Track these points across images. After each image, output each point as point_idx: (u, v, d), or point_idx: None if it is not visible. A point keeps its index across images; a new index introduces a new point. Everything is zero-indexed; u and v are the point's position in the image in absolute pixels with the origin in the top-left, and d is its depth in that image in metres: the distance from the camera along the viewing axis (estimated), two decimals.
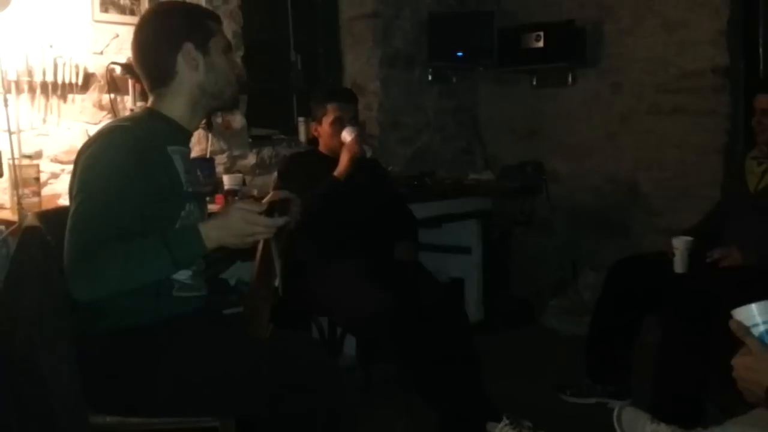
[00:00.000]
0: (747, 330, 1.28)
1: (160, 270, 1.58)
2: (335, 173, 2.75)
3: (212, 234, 1.58)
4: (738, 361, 1.30)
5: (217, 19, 1.83)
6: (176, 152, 1.73)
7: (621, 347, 2.86)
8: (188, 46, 1.73)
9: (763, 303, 1.28)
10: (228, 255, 1.72)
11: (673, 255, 2.65)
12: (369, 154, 2.78)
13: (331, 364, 1.78)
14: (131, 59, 1.83)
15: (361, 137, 2.80)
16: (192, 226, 1.62)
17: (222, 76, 1.78)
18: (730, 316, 1.29)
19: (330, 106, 2.86)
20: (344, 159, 2.75)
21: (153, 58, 1.75)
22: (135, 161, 1.60)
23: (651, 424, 2.35)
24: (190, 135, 1.83)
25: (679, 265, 2.64)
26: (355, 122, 2.91)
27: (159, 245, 1.55)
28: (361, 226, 2.76)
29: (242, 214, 1.59)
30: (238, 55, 3.46)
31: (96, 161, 1.61)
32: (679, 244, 2.64)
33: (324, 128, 2.88)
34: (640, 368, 2.80)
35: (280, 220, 1.62)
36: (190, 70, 1.74)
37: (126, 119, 1.76)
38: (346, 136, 2.78)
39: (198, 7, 1.84)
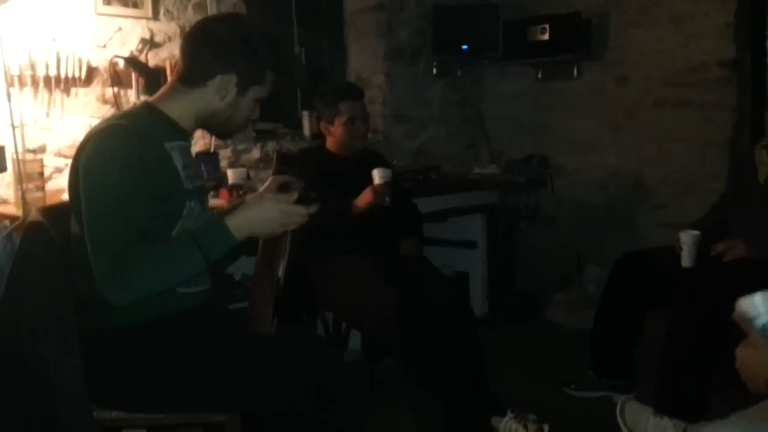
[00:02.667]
0: (750, 321, 1.29)
1: (192, 268, 1.61)
2: (355, 202, 2.68)
3: (243, 226, 1.61)
4: (740, 352, 1.32)
5: (275, 71, 1.77)
6: (175, 148, 1.70)
7: (625, 341, 2.86)
8: (231, 77, 1.69)
9: (764, 293, 1.29)
10: (233, 250, 1.72)
11: (681, 249, 2.64)
12: (388, 203, 2.66)
13: (337, 360, 1.77)
14: (182, 38, 1.78)
15: (388, 186, 2.68)
16: (216, 222, 1.64)
17: (238, 118, 1.77)
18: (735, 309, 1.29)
19: (343, 106, 2.81)
20: (367, 199, 2.66)
21: (198, 58, 1.70)
22: (136, 159, 1.58)
23: (654, 417, 2.35)
24: (188, 133, 1.80)
25: (686, 260, 2.63)
26: (367, 118, 2.89)
27: (189, 244, 1.58)
28: (366, 221, 2.74)
29: (280, 206, 1.63)
30: None
31: (98, 166, 1.58)
32: (687, 238, 2.63)
33: (337, 128, 2.83)
34: (644, 362, 2.80)
35: (312, 208, 1.65)
36: (217, 95, 1.71)
37: (122, 116, 1.72)
38: (377, 176, 2.68)
39: (271, 53, 1.75)
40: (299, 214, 1.63)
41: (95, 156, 1.60)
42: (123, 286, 1.54)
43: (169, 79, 1.77)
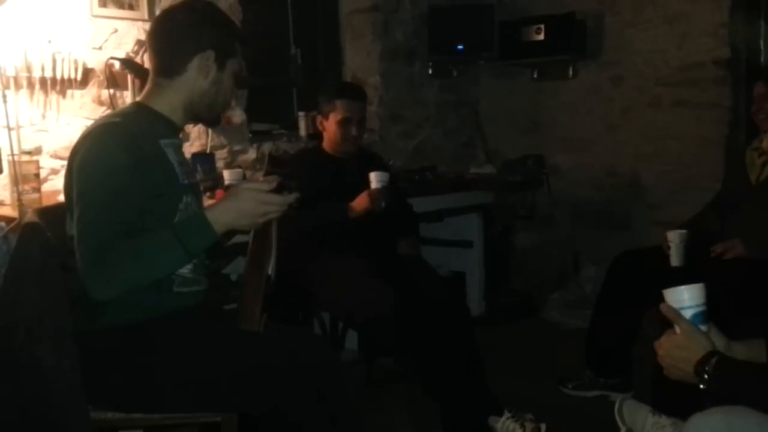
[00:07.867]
0: (677, 312, 1.38)
1: (173, 262, 1.59)
2: (352, 205, 2.68)
3: (221, 218, 1.57)
4: (664, 341, 1.40)
5: (243, 44, 1.82)
6: (168, 145, 1.72)
7: (622, 340, 2.86)
8: (209, 54, 1.71)
9: (692, 287, 1.39)
10: (230, 250, 1.71)
11: (669, 248, 2.64)
12: (384, 205, 2.67)
13: (333, 360, 1.78)
14: (147, 36, 1.81)
15: (385, 191, 2.68)
16: (197, 213, 1.63)
17: (222, 95, 1.78)
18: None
19: (339, 104, 2.80)
20: (363, 204, 2.67)
21: (172, 46, 1.72)
22: (130, 157, 1.59)
23: (652, 416, 2.35)
24: (179, 129, 1.82)
25: (675, 259, 2.64)
26: (363, 122, 2.89)
27: (169, 237, 1.56)
28: (363, 223, 2.74)
29: (254, 194, 1.57)
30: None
31: (92, 162, 1.60)
32: (674, 237, 2.64)
33: (330, 124, 2.84)
34: (642, 361, 2.80)
35: (291, 197, 1.60)
36: (199, 75, 1.72)
37: (116, 115, 1.76)
38: (373, 181, 2.69)
39: (235, 25, 1.86)
40: (276, 202, 1.58)
41: (90, 153, 1.61)
42: (104, 279, 1.53)
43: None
